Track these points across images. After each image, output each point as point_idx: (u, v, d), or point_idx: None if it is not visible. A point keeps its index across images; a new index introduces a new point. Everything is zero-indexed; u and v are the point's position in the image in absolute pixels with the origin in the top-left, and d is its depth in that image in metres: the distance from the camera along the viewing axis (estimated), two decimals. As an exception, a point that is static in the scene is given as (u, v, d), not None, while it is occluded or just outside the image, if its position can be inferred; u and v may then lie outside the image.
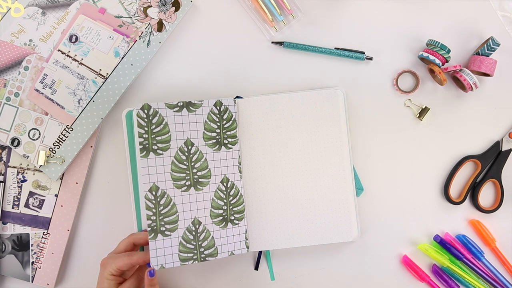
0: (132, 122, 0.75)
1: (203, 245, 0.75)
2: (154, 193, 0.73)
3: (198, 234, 0.75)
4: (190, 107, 0.75)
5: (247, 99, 0.78)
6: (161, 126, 0.73)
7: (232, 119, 0.77)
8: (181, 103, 0.75)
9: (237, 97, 0.79)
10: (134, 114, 0.73)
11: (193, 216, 0.75)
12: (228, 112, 0.77)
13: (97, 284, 0.72)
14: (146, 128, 0.73)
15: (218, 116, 0.76)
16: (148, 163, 0.73)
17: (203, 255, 0.74)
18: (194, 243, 0.74)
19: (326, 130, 0.78)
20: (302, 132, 0.78)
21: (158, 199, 0.73)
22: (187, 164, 0.75)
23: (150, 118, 0.73)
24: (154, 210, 0.73)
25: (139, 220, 0.76)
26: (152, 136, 0.73)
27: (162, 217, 0.73)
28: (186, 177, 0.75)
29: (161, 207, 0.73)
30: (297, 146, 0.78)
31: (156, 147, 0.73)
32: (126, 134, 0.76)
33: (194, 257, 0.74)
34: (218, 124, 0.76)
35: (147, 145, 0.73)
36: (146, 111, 0.73)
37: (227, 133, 0.77)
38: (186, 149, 0.75)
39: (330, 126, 0.78)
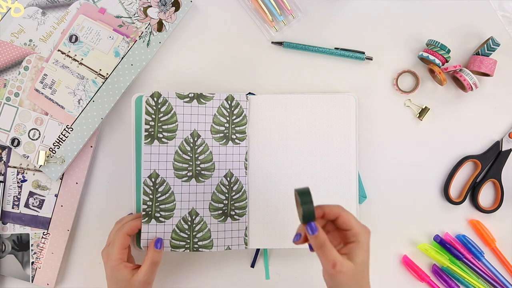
0: (141, 107, 0.76)
1: (197, 235, 0.75)
2: (153, 180, 0.74)
3: (194, 225, 0.75)
4: (201, 99, 0.76)
5: (259, 96, 0.78)
6: (169, 115, 0.75)
7: (243, 115, 0.77)
8: (192, 94, 0.76)
9: (250, 93, 0.79)
10: (143, 101, 0.74)
11: (190, 207, 0.76)
12: (239, 107, 0.77)
13: (109, 279, 0.71)
14: (153, 116, 0.74)
15: (228, 110, 0.77)
16: (151, 150, 0.74)
17: (196, 246, 0.75)
18: (188, 233, 0.75)
19: (336, 134, 0.78)
20: (311, 134, 0.78)
21: (157, 186, 0.74)
22: (191, 155, 0.75)
23: (159, 106, 0.74)
24: (151, 196, 0.74)
25: (139, 206, 0.76)
26: (158, 124, 0.74)
27: (158, 203, 0.74)
28: (189, 168, 0.75)
29: (159, 194, 0.74)
30: (306, 148, 0.78)
31: (161, 136, 0.74)
32: (134, 119, 0.76)
33: (186, 246, 0.75)
34: (228, 118, 0.77)
35: (152, 133, 0.74)
36: (155, 99, 0.74)
37: (236, 128, 0.77)
38: (191, 140, 0.75)
39: (339, 131, 0.78)
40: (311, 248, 0.64)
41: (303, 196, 0.61)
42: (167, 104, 0.75)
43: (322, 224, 0.65)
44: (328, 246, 0.61)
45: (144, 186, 0.74)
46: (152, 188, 0.74)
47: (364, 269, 0.63)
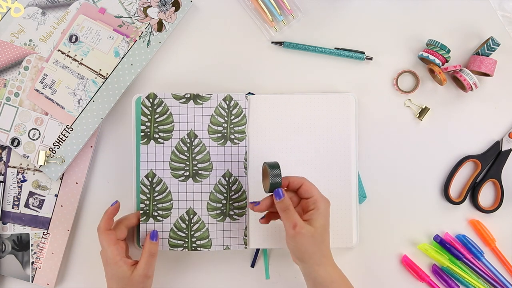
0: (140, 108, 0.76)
1: (195, 235, 0.76)
2: (150, 179, 0.75)
3: (192, 224, 0.76)
4: (198, 100, 0.76)
5: (259, 96, 0.78)
6: (165, 116, 0.75)
7: (242, 114, 0.77)
8: (188, 95, 0.76)
9: (249, 93, 0.79)
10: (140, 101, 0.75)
11: (188, 206, 0.76)
12: (238, 107, 0.77)
13: (109, 278, 0.71)
14: (149, 117, 0.75)
15: (226, 110, 0.77)
16: (147, 150, 0.75)
17: (194, 245, 0.75)
18: (186, 232, 0.75)
19: (336, 134, 0.78)
20: (311, 134, 0.78)
21: (154, 186, 0.75)
22: (188, 155, 0.76)
23: (155, 107, 0.75)
24: (148, 195, 0.75)
25: (139, 206, 0.76)
26: (154, 125, 0.75)
27: (155, 203, 0.75)
28: (185, 168, 0.76)
29: (156, 194, 0.75)
30: (305, 148, 0.78)
31: (157, 136, 0.75)
32: (134, 119, 0.77)
33: (184, 245, 0.75)
34: (226, 118, 0.77)
35: (148, 133, 0.75)
36: (151, 100, 0.75)
37: (235, 128, 0.77)
38: (188, 141, 0.75)
39: (339, 131, 0.78)
40: (262, 219, 0.73)
41: (273, 169, 0.67)
42: (163, 105, 0.75)
43: (288, 197, 0.70)
44: (291, 210, 0.68)
45: (141, 186, 0.75)
46: (149, 187, 0.75)
47: (324, 233, 0.68)
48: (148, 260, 0.71)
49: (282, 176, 0.69)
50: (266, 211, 0.72)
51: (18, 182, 0.79)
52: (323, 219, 0.68)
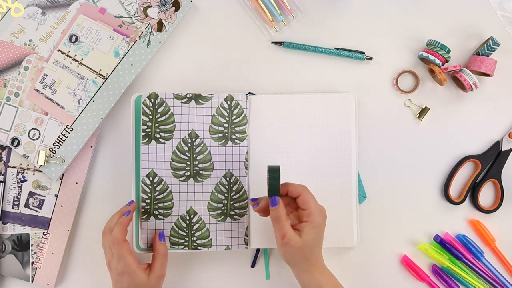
0: (140, 107, 0.76)
1: (196, 234, 0.76)
2: (151, 179, 0.75)
3: (192, 224, 0.76)
4: (199, 100, 0.76)
5: (259, 96, 0.78)
6: (166, 115, 0.75)
7: (243, 115, 0.77)
8: (190, 95, 0.76)
9: (249, 93, 0.79)
10: (141, 101, 0.75)
11: (188, 206, 0.76)
12: (239, 107, 0.77)
13: (126, 285, 0.70)
14: (150, 116, 0.75)
15: (227, 110, 0.77)
16: (149, 150, 0.75)
17: (194, 244, 0.76)
18: (187, 231, 0.76)
19: (336, 134, 0.78)
20: (311, 134, 0.78)
21: (155, 185, 0.75)
22: (189, 155, 0.76)
23: (156, 107, 0.75)
24: (149, 194, 0.75)
25: (137, 205, 0.76)
26: (155, 125, 0.75)
27: (156, 202, 0.76)
28: (186, 168, 0.76)
29: (157, 193, 0.75)
30: (306, 147, 0.78)
31: (158, 136, 0.75)
32: (134, 119, 0.77)
33: (185, 244, 0.76)
34: (227, 118, 0.77)
35: (149, 133, 0.75)
36: (152, 99, 0.75)
37: (236, 128, 0.77)
38: (189, 141, 0.76)
39: (339, 131, 0.78)
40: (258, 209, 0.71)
41: (272, 172, 0.67)
42: (164, 104, 0.75)
43: (287, 202, 0.71)
44: (282, 220, 0.67)
45: (142, 185, 0.75)
46: (150, 186, 0.75)
47: (313, 247, 0.69)
48: (162, 260, 0.73)
49: (283, 182, 0.69)
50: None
51: (18, 182, 0.79)
52: (314, 233, 0.68)
